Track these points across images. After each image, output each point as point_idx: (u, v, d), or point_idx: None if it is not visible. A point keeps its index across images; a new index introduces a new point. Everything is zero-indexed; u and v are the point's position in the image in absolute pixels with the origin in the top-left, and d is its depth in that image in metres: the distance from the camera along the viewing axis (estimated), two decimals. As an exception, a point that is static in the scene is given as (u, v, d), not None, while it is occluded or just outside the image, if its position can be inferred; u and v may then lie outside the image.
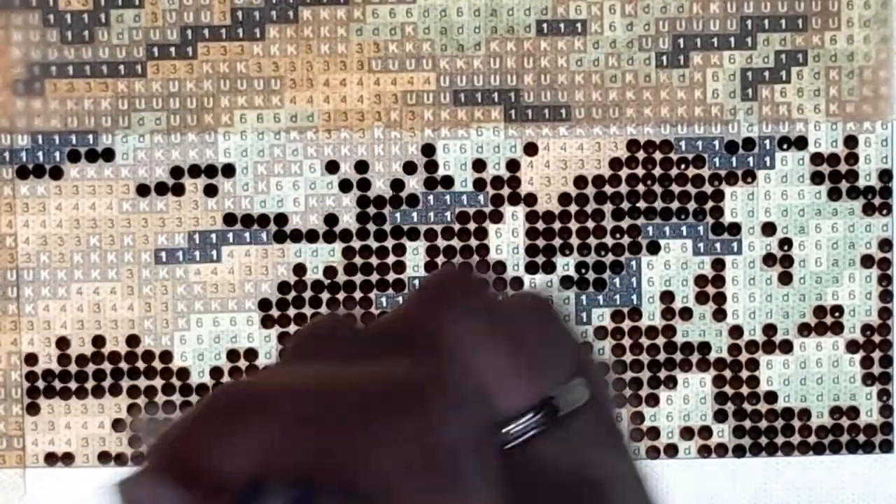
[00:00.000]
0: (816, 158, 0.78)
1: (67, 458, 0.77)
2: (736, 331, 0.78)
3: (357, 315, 0.77)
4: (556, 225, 0.78)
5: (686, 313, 0.78)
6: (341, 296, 0.77)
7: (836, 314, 0.78)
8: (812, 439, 0.78)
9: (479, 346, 0.25)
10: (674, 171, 0.77)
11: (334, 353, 0.25)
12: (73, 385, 0.77)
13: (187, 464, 0.23)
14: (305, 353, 0.26)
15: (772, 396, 0.78)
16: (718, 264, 0.78)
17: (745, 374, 0.78)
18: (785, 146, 0.77)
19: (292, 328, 0.77)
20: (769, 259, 0.78)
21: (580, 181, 0.77)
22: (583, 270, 0.78)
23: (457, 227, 0.77)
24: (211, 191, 0.77)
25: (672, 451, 0.78)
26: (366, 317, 0.77)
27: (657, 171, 0.77)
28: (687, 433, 0.78)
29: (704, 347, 0.78)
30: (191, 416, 0.24)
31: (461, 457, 0.23)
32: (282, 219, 0.77)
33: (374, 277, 0.77)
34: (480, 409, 0.25)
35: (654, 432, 0.78)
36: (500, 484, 0.25)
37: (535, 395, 0.25)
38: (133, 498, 0.23)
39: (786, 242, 0.78)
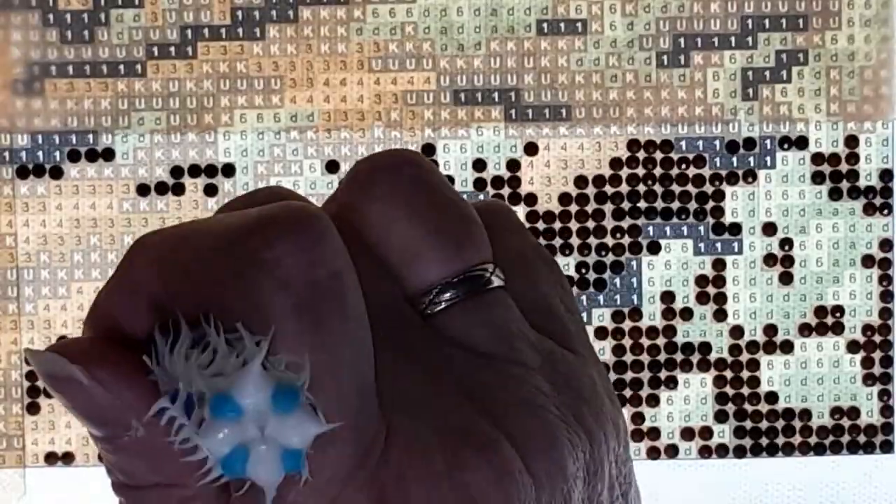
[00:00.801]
0: (817, 158, 0.77)
1: (67, 458, 0.77)
2: (736, 331, 0.78)
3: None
4: (557, 225, 0.77)
5: (686, 313, 0.78)
6: (341, 296, 0.77)
7: (837, 314, 0.78)
8: (813, 440, 0.78)
9: (397, 220, 0.26)
10: (674, 171, 0.77)
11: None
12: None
13: (91, 314, 0.25)
14: (220, 212, 0.27)
15: (772, 397, 0.78)
16: (719, 264, 0.78)
17: (745, 374, 0.78)
18: (785, 146, 0.77)
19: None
20: (770, 259, 0.78)
21: (580, 181, 0.77)
22: (583, 270, 0.78)
23: (457, 226, 0.77)
24: (211, 190, 0.77)
25: (673, 451, 0.78)
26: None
27: (658, 171, 0.77)
28: (688, 434, 0.78)
29: (705, 348, 0.78)
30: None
31: (343, 287, 0.23)
32: (282, 218, 0.77)
33: (374, 277, 0.77)
34: (393, 276, 0.26)
35: (655, 433, 0.78)
36: (402, 339, 0.25)
37: (449, 270, 0.26)
38: (47, 368, 0.24)
39: (786, 242, 0.78)
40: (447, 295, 0.26)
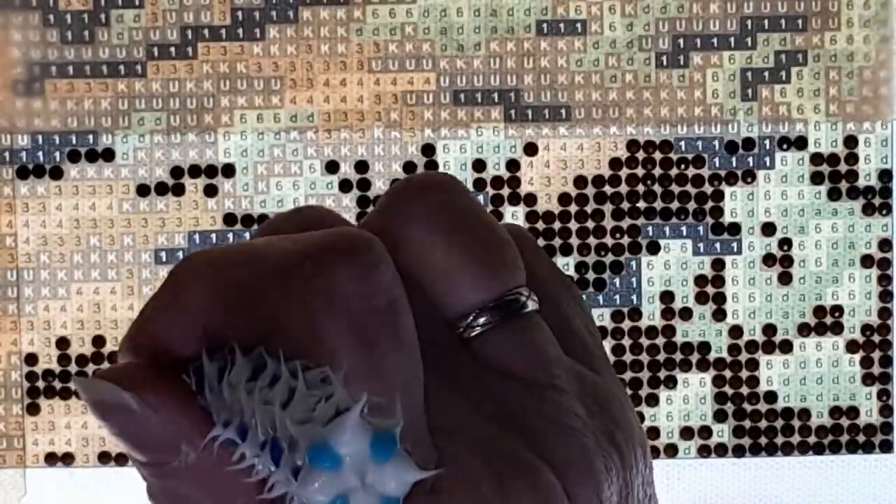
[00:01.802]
0: (816, 158, 0.78)
1: (67, 458, 0.77)
2: (736, 331, 0.78)
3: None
4: (556, 225, 0.78)
5: (686, 313, 0.78)
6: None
7: (836, 314, 0.78)
8: (812, 439, 0.78)
9: (434, 244, 0.26)
10: (674, 172, 0.77)
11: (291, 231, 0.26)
12: (73, 385, 0.77)
13: (137, 338, 0.24)
14: (264, 232, 0.27)
15: (771, 396, 0.78)
16: (718, 264, 0.78)
17: (744, 374, 0.78)
18: (785, 146, 0.77)
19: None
20: (769, 259, 0.78)
21: (580, 181, 0.77)
22: (583, 270, 0.78)
23: (457, 227, 0.77)
24: (211, 191, 0.77)
25: (672, 451, 0.78)
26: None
27: (657, 172, 0.77)
28: (687, 433, 0.78)
29: (704, 347, 0.78)
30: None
31: (396, 313, 0.23)
32: (282, 219, 0.77)
33: (374, 277, 0.77)
34: (429, 301, 0.26)
35: (654, 432, 0.78)
36: (449, 365, 0.25)
37: (487, 294, 0.26)
38: (94, 395, 0.23)
39: (786, 242, 0.78)
40: (484, 319, 0.26)
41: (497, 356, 0.26)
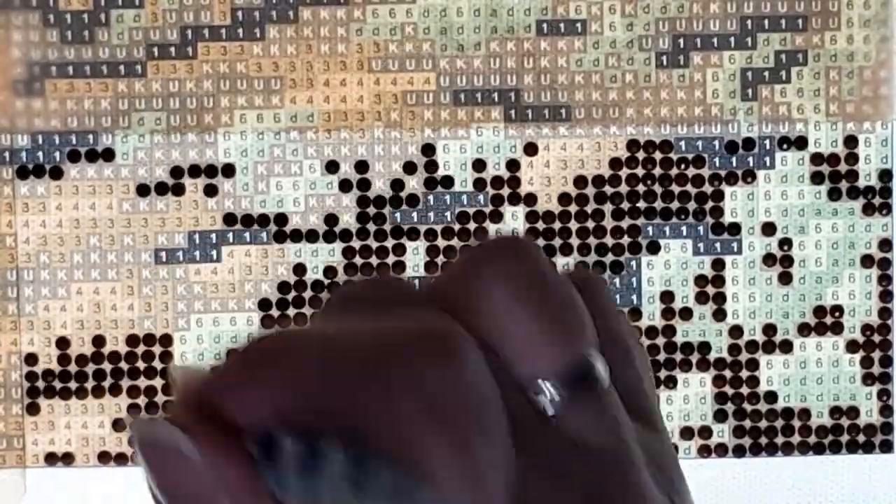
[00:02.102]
0: (816, 158, 0.78)
1: (67, 458, 0.77)
2: (736, 331, 0.78)
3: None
4: (556, 225, 0.78)
5: (686, 313, 0.78)
6: (341, 296, 0.77)
7: (836, 314, 0.78)
8: (812, 439, 0.78)
9: (510, 311, 0.26)
10: (674, 171, 0.77)
11: (367, 310, 0.26)
12: (73, 385, 0.77)
13: (204, 408, 0.24)
14: (339, 309, 0.26)
15: (772, 396, 0.78)
16: (718, 264, 0.78)
17: (745, 374, 0.78)
18: (785, 146, 0.77)
19: (292, 328, 0.77)
20: (769, 259, 0.78)
21: (580, 181, 0.77)
22: (583, 270, 0.78)
23: (457, 227, 0.77)
24: (211, 191, 0.77)
25: (672, 451, 0.78)
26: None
27: (657, 171, 0.77)
28: (687, 433, 0.78)
29: (704, 347, 0.78)
30: (217, 366, 0.24)
31: (488, 408, 0.23)
32: (282, 219, 0.77)
33: (374, 277, 0.77)
34: (506, 370, 0.25)
35: (654, 432, 0.78)
36: (523, 444, 0.25)
37: (562, 363, 0.26)
38: (148, 433, 0.23)
39: (786, 242, 0.78)
40: (557, 388, 0.26)
41: (572, 427, 0.26)
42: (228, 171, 0.77)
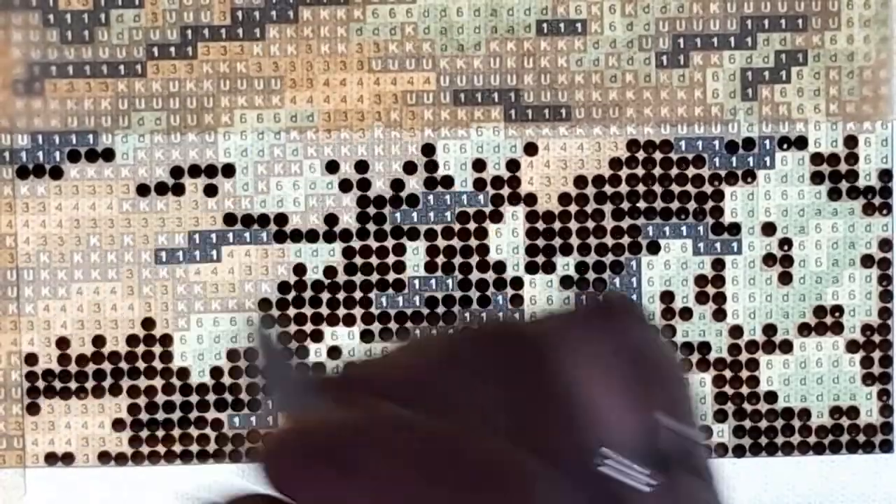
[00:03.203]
0: (816, 158, 0.78)
1: (67, 458, 0.77)
2: (736, 331, 0.78)
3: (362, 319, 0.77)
4: (556, 225, 0.78)
5: (686, 313, 0.78)
6: (341, 296, 0.77)
7: (836, 314, 0.78)
8: (812, 439, 0.78)
9: (602, 376, 0.25)
10: (674, 171, 0.77)
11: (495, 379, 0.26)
12: (73, 385, 0.77)
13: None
14: (470, 371, 0.26)
15: (772, 396, 0.78)
16: (718, 264, 0.78)
17: (745, 373, 0.78)
18: (785, 146, 0.77)
19: (292, 328, 0.77)
20: (769, 259, 0.78)
21: (580, 181, 0.78)
22: (583, 270, 0.78)
23: (457, 227, 0.77)
24: (211, 191, 0.77)
25: (672, 451, 0.78)
26: (366, 317, 0.77)
27: (657, 171, 0.77)
28: (687, 433, 0.78)
29: (704, 347, 0.78)
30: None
31: None
32: (282, 219, 0.77)
33: (375, 277, 0.77)
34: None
35: (654, 432, 0.78)
36: None
37: (645, 436, 0.25)
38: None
39: (786, 242, 0.78)
40: (635, 465, 0.26)
41: None
42: (228, 171, 0.77)
